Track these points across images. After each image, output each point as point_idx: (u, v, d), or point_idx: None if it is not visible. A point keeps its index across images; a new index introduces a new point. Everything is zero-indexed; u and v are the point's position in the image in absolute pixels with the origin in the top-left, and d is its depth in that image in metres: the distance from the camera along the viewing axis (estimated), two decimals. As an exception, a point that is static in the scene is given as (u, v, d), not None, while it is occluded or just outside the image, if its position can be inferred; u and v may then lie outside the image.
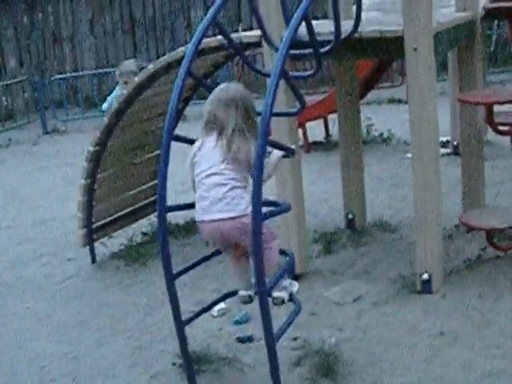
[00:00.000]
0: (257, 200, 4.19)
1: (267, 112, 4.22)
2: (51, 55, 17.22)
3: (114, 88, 8.63)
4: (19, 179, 11.27)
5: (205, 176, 4.48)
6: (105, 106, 8.31)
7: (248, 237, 4.31)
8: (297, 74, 5.59)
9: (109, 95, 8.63)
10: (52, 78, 15.61)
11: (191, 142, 4.71)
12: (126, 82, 7.99)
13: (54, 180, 10.82)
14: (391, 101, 13.77)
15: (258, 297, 4.29)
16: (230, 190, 4.42)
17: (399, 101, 13.49)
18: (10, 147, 13.91)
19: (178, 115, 7.59)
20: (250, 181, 4.35)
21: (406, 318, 5.44)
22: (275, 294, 4.58)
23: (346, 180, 7.22)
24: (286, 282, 4.74)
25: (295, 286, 4.82)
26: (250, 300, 4.82)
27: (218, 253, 5.05)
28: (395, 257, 6.56)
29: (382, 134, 11.02)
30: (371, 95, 11.76)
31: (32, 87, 16.02)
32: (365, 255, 6.69)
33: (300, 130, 10.54)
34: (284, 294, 4.65)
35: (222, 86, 4.57)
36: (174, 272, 4.65)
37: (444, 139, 9.90)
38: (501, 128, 6.08)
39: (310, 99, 10.89)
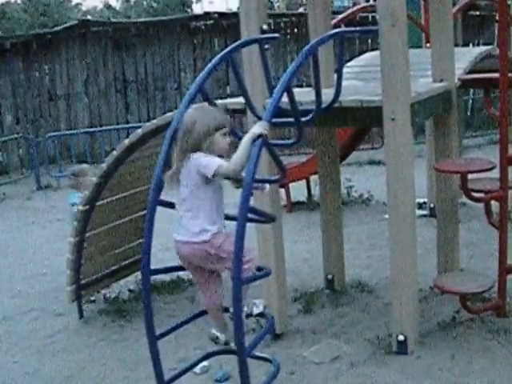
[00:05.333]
0: (236, 264, 4.35)
1: (249, 179, 4.41)
2: (46, 113, 17.48)
3: None
4: (12, 233, 11.37)
5: None
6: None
7: (210, 262, 4.64)
8: (279, 142, 5.71)
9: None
10: (46, 136, 15.79)
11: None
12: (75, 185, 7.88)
13: (45, 235, 10.94)
14: (371, 162, 14.07)
15: (237, 358, 4.44)
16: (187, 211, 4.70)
17: (379, 162, 13.70)
18: (4, 202, 14.04)
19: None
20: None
21: (383, 379, 5.52)
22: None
23: (326, 242, 7.34)
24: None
25: (260, 306, 5.01)
26: (224, 344, 5.04)
27: (201, 313, 5.21)
28: (372, 317, 6.67)
29: (361, 196, 11.24)
30: (352, 156, 12.01)
31: (26, 144, 16.23)
32: (343, 315, 6.80)
33: (283, 191, 10.81)
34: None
35: None
36: (158, 333, 4.77)
37: (421, 201, 10.16)
38: (475, 195, 6.21)
39: (293, 161, 11.23)
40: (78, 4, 27.14)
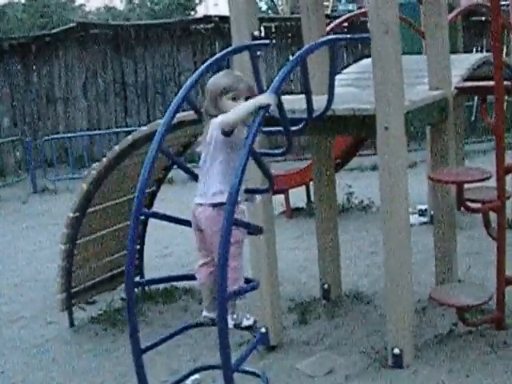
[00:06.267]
0: (221, 279, 4.24)
1: (234, 190, 4.29)
2: (45, 116, 17.40)
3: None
4: (5, 238, 11.30)
5: None
6: None
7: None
8: (267, 151, 5.61)
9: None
10: (44, 139, 15.72)
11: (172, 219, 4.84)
12: None
13: (40, 240, 10.84)
14: (374, 168, 13.86)
15: (223, 374, 4.33)
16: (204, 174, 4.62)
17: (382, 168, 13.53)
18: (0, 205, 13.93)
19: (158, 184, 7.78)
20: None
21: (377, 394, 5.42)
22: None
23: (322, 250, 7.24)
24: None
25: (251, 318, 4.87)
26: (211, 323, 4.85)
27: (192, 326, 5.14)
28: (368, 329, 6.57)
29: (361, 202, 11.11)
30: (354, 162, 11.92)
31: (23, 146, 16.16)
32: (339, 326, 6.70)
33: (283, 197, 10.72)
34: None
35: None
36: (147, 344, 4.68)
37: (422, 208, 10.02)
38: (472, 205, 6.10)
39: (292, 167, 11.13)
40: (81, 5, 27.08)
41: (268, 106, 4.50)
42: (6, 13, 18.89)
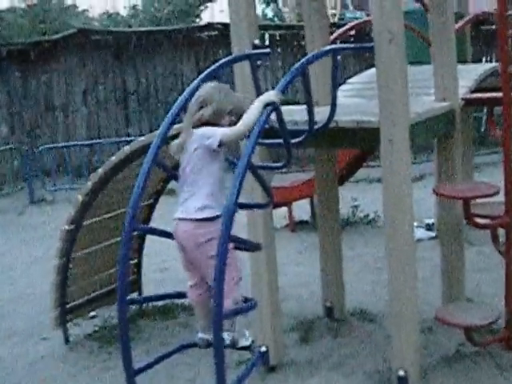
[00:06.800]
0: (218, 297, 4.09)
1: (231, 204, 4.17)
2: (43, 124, 17.22)
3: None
4: (1, 250, 11.13)
5: None
6: None
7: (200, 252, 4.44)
8: (265, 164, 5.49)
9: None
10: (41, 148, 15.55)
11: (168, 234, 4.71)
12: None
13: (35, 253, 10.65)
14: (381, 180, 13.62)
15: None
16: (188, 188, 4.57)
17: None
18: (-4, 216, 13.87)
19: (156, 196, 7.60)
20: None
21: (380, 417, 5.25)
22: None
23: (325, 267, 7.07)
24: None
25: (250, 338, 4.76)
26: (207, 345, 4.76)
27: (189, 345, 4.99)
28: (373, 349, 6.40)
29: (367, 216, 10.90)
30: (360, 174, 11.70)
31: (21, 155, 15.98)
32: (342, 346, 6.52)
33: (286, 209, 10.51)
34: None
35: None
36: (146, 362, 4.68)
37: (429, 222, 9.80)
38: (479, 221, 5.93)
39: (296, 179, 10.90)
40: (84, 10, 26.91)
41: (273, 103, 4.47)
42: (3, 18, 18.69)
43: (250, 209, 4.93)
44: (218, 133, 4.42)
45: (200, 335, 4.83)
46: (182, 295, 5.07)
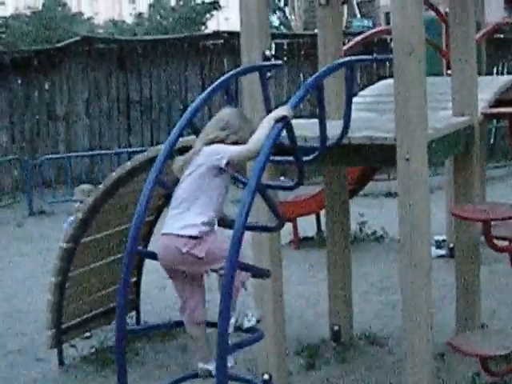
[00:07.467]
0: (223, 331, 3.90)
1: (239, 228, 4.03)
2: (44, 133, 16.94)
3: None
4: (-2, 264, 10.90)
5: None
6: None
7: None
8: (275, 183, 5.29)
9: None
10: (42, 158, 15.31)
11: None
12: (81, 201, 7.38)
13: (33, 267, 10.37)
14: (388, 194, 13.38)
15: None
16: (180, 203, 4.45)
17: (397, 195, 13.02)
18: (-6, 228, 13.62)
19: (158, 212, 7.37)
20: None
21: None
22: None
23: (333, 287, 6.84)
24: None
25: (253, 318, 4.59)
26: (209, 375, 4.60)
27: (191, 376, 4.85)
28: (382, 375, 6.16)
29: (375, 233, 10.65)
30: (366, 187, 11.42)
31: (21, 166, 15.72)
32: (349, 372, 6.29)
33: (290, 225, 10.20)
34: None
35: None
36: None
37: (440, 238, 9.47)
38: (498, 244, 5.72)
39: (302, 193, 10.58)
40: (90, 18, 26.81)
41: (285, 118, 4.36)
42: (8, 25, 18.57)
43: (259, 231, 4.71)
44: (228, 151, 4.33)
45: (200, 365, 4.65)
46: (181, 324, 4.82)
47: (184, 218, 4.32)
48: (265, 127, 4.31)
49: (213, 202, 4.35)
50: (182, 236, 4.28)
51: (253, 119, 5.38)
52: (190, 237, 4.27)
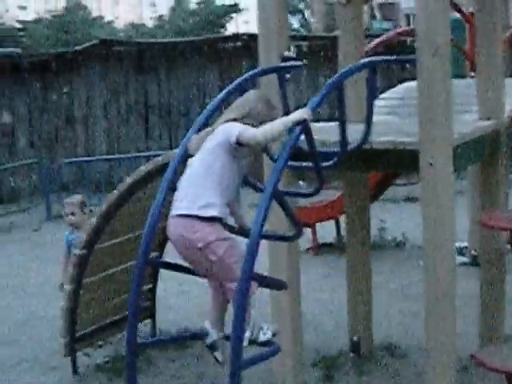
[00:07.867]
0: (236, 349, 3.78)
1: (255, 237, 3.91)
2: (63, 137, 16.92)
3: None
4: (14, 269, 10.79)
5: None
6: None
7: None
8: (292, 190, 5.16)
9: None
10: (60, 162, 15.29)
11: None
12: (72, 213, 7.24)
13: (49, 273, 10.11)
14: (408, 199, 13.22)
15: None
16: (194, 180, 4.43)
17: (416, 199, 12.89)
18: (11, 232, 13.52)
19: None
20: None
21: None
22: None
23: (352, 296, 6.68)
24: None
25: (268, 331, 4.44)
26: (212, 346, 4.56)
27: None
28: None
29: (395, 239, 10.52)
30: (387, 192, 11.26)
31: (40, 170, 15.67)
32: None
33: (309, 231, 10.03)
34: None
35: None
36: None
37: (461, 245, 9.25)
38: None
39: (322, 198, 10.39)
40: (110, 22, 26.88)
41: (304, 121, 4.24)
42: (27, 29, 18.59)
43: (276, 241, 4.56)
44: (238, 128, 4.26)
45: (206, 324, 4.61)
46: (196, 336, 4.68)
47: (199, 196, 4.22)
48: (281, 124, 4.22)
49: (223, 182, 4.24)
50: (201, 218, 4.17)
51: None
52: (209, 218, 4.15)
